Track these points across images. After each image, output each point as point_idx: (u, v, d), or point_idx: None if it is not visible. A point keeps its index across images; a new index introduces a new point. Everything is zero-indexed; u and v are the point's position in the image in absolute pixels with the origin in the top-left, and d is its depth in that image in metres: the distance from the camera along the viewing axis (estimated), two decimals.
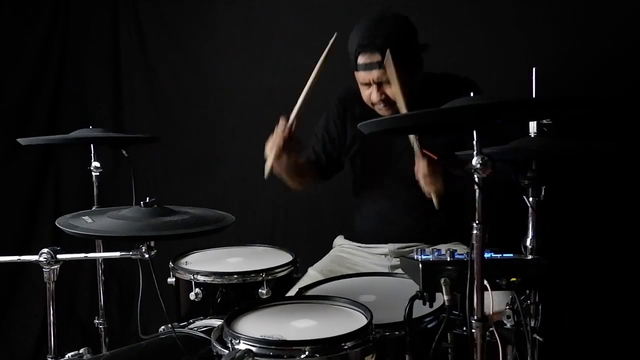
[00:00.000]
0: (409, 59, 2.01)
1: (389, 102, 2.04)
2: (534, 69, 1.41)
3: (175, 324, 1.80)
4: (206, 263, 2.11)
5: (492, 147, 1.44)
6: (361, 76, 2.03)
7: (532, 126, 1.48)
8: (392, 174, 2.19)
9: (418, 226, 2.17)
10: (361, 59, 2.00)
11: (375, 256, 2.22)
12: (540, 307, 1.50)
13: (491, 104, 1.23)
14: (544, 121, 1.47)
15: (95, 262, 2.19)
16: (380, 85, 2.01)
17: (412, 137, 1.97)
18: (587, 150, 1.64)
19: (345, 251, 2.28)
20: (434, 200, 1.94)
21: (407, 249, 2.12)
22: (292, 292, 1.96)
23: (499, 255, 1.43)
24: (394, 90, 1.96)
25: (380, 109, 2.08)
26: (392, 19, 2.03)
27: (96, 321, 2.21)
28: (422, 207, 2.15)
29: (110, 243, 2.02)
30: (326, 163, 2.30)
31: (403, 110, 1.93)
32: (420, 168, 1.92)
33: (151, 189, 3.28)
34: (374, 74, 1.99)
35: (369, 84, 2.04)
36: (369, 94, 2.06)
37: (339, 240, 2.34)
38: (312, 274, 2.12)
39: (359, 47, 1.98)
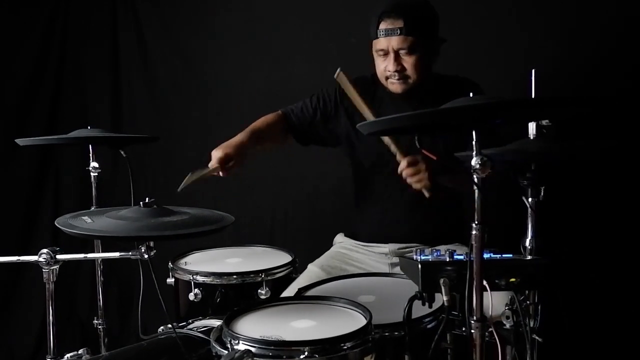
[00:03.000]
0: (429, 39, 2.05)
1: (404, 74, 2.05)
2: (533, 70, 1.41)
3: (175, 324, 1.80)
4: (205, 263, 2.11)
5: (491, 149, 1.44)
6: (380, 43, 2.04)
7: (531, 128, 1.47)
8: (392, 170, 2.19)
9: (419, 227, 2.17)
10: (383, 25, 2.02)
11: (376, 255, 2.22)
12: (539, 307, 1.50)
13: (490, 104, 1.23)
14: (543, 123, 1.47)
15: (94, 262, 2.19)
16: (397, 54, 2.03)
17: (386, 139, 2.00)
18: (587, 150, 1.63)
19: (345, 248, 2.28)
20: (424, 192, 1.95)
21: (408, 249, 2.12)
22: (290, 288, 1.97)
23: (498, 256, 1.43)
24: (356, 102, 2.02)
25: (394, 82, 2.08)
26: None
27: (95, 322, 2.21)
28: (423, 208, 2.15)
29: (109, 243, 2.02)
30: (301, 132, 2.30)
31: (371, 118, 1.97)
32: (404, 169, 1.93)
33: (150, 189, 3.28)
34: (394, 40, 2.01)
35: (386, 53, 2.05)
36: (385, 66, 2.06)
37: (340, 238, 2.34)
38: (312, 270, 2.12)
39: (384, 13, 2.01)
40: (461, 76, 2.18)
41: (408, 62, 2.04)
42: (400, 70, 2.05)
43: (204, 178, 2.00)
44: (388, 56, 2.05)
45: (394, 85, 2.08)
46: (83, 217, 1.55)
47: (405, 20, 1.99)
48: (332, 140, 2.30)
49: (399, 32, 2.00)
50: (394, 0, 2.04)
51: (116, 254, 1.65)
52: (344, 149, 2.30)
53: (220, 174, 2.01)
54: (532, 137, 1.48)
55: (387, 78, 2.09)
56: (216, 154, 2.01)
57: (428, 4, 2.08)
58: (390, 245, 2.17)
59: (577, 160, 2.37)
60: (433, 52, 2.10)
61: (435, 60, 2.13)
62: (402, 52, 2.03)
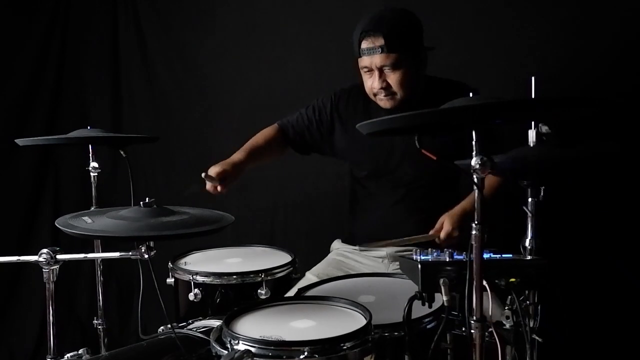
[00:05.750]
0: (412, 52, 2.04)
1: (390, 91, 2.05)
2: (532, 78, 1.41)
3: (174, 324, 1.80)
4: (205, 263, 2.10)
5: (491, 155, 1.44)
6: (364, 61, 2.04)
7: (531, 135, 1.47)
8: (390, 178, 2.19)
9: (416, 230, 2.16)
10: (364, 44, 2.02)
11: (372, 260, 2.21)
12: (539, 307, 1.50)
13: (490, 104, 1.23)
14: (543, 130, 1.47)
15: (94, 262, 2.19)
16: (381, 71, 2.03)
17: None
18: (587, 152, 1.63)
19: (342, 255, 2.27)
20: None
21: (405, 253, 2.12)
22: (289, 294, 1.96)
23: (498, 256, 1.43)
24: None
25: (381, 99, 2.08)
26: (398, 11, 2.06)
27: (95, 321, 2.21)
28: (420, 211, 2.15)
29: (109, 243, 2.02)
30: (298, 142, 2.31)
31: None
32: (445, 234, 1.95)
33: (150, 189, 3.28)
34: (376, 58, 2.01)
35: (371, 71, 2.04)
36: (371, 84, 2.06)
37: (337, 244, 2.34)
38: (310, 278, 2.11)
39: (364, 32, 2.01)
40: (456, 80, 2.17)
41: (393, 78, 2.03)
42: (386, 87, 2.05)
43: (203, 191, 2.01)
44: (373, 73, 2.05)
45: (382, 102, 2.09)
46: (83, 217, 1.55)
47: (386, 37, 1.98)
48: (329, 149, 2.31)
49: (380, 50, 1.99)
50: (374, 17, 2.02)
51: (116, 254, 1.64)
52: (341, 157, 2.30)
53: (218, 188, 2.02)
54: (531, 144, 1.48)
55: (374, 95, 2.09)
56: (214, 169, 2.02)
57: (410, 16, 2.06)
58: (387, 249, 2.17)
59: (577, 160, 2.37)
60: (419, 63, 2.09)
61: (424, 69, 2.12)
62: (385, 69, 2.02)
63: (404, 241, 2.00)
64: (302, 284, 2.05)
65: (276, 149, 2.29)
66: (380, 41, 1.98)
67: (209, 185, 2.02)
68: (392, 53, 1.99)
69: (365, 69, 2.06)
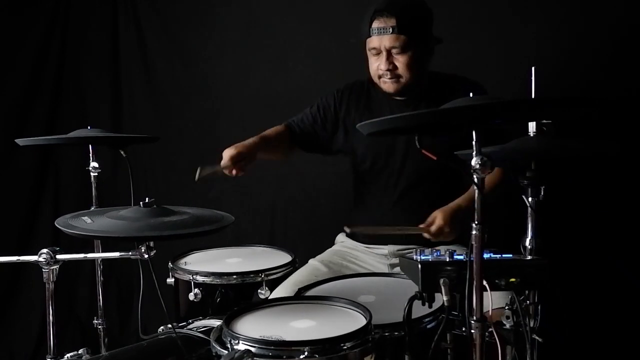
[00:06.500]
0: (422, 38, 2.04)
1: (396, 74, 2.05)
2: (532, 68, 1.41)
3: (175, 324, 1.80)
4: (205, 263, 2.11)
5: (491, 147, 1.44)
6: (373, 42, 2.04)
7: (532, 126, 1.48)
8: (391, 174, 2.19)
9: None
10: (375, 23, 2.01)
11: (375, 254, 2.22)
12: (539, 307, 1.50)
13: (490, 104, 1.23)
14: (544, 121, 1.47)
15: (94, 262, 2.19)
16: (389, 53, 2.02)
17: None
18: (588, 150, 1.63)
19: (347, 247, 2.28)
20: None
21: (407, 251, 2.12)
22: (290, 281, 1.98)
23: (498, 256, 1.43)
24: None
25: (386, 81, 2.07)
26: None
27: (95, 321, 2.21)
28: (422, 209, 2.15)
29: (109, 243, 2.02)
30: (304, 140, 2.31)
31: None
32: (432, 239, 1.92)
33: (150, 189, 3.28)
34: (386, 39, 2.00)
35: (379, 52, 2.04)
36: (377, 65, 2.06)
37: (341, 238, 2.35)
38: (313, 264, 2.13)
39: (376, 11, 2.01)
40: (460, 75, 2.18)
41: (400, 61, 2.03)
42: (392, 69, 2.04)
43: (215, 175, 1.97)
44: (380, 55, 2.04)
45: (386, 85, 2.09)
46: (83, 217, 1.55)
47: (398, 18, 1.98)
48: (332, 147, 2.31)
49: (391, 30, 1.99)
50: (386, 0, 2.02)
51: (116, 254, 1.64)
52: (343, 154, 2.31)
53: (234, 172, 2.00)
54: (532, 135, 1.49)
55: (379, 77, 2.09)
56: (229, 152, 2.00)
57: (422, 3, 2.08)
58: (390, 247, 2.18)
59: (577, 159, 2.37)
60: (427, 51, 2.09)
61: (430, 60, 2.12)
62: (394, 50, 2.02)
63: (394, 229, 1.97)
64: (304, 269, 2.07)
65: (285, 145, 2.29)
66: (392, 21, 1.98)
67: (226, 170, 2.00)
68: (402, 35, 1.99)
69: (374, 51, 2.05)
